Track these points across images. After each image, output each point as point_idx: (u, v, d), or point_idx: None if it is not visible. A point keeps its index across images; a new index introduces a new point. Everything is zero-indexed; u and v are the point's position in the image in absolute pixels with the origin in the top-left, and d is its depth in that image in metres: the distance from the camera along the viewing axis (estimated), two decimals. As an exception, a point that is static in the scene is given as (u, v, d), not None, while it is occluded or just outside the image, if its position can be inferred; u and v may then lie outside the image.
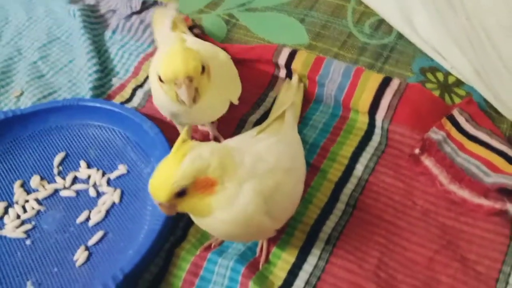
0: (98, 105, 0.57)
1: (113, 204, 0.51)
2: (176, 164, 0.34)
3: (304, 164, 0.46)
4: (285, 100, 0.55)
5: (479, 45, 0.49)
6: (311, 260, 0.46)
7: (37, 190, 0.53)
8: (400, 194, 0.49)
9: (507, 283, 0.43)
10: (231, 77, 0.52)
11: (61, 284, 0.46)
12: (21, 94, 0.64)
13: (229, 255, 0.46)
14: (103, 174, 0.54)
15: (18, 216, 0.51)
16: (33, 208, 0.52)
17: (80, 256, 0.47)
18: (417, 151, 0.50)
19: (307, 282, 0.44)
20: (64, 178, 0.54)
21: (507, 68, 0.48)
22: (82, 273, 0.46)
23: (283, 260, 0.46)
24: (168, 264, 0.47)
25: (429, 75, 0.59)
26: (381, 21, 0.67)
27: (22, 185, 0.54)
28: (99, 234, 0.49)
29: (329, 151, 0.54)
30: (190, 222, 0.49)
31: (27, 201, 0.52)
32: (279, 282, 0.44)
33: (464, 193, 0.47)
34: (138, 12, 0.72)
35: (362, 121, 0.55)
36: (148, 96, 0.62)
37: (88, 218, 0.50)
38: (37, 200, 0.52)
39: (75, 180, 0.54)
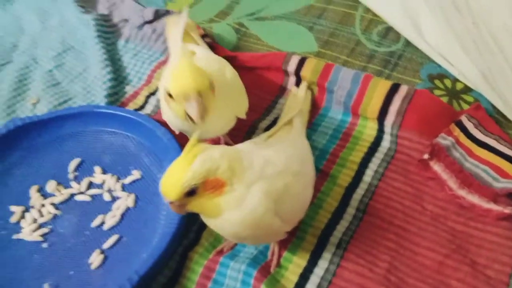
0: (112, 111, 0.59)
1: (128, 208, 0.52)
2: (187, 165, 0.35)
3: (313, 169, 0.47)
4: (293, 106, 0.56)
5: (486, 48, 0.50)
6: (322, 264, 0.46)
7: (53, 195, 0.54)
8: (410, 199, 0.50)
9: (517, 287, 0.43)
10: (238, 93, 0.52)
11: (77, 286, 0.47)
12: (37, 101, 0.66)
13: (241, 259, 0.47)
14: (118, 179, 0.55)
15: (35, 220, 0.52)
16: (49, 212, 0.53)
17: (95, 259, 0.48)
18: (426, 156, 0.51)
19: (318, 286, 0.45)
20: (79, 183, 0.55)
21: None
22: (97, 275, 0.47)
23: (295, 264, 0.47)
24: (182, 267, 0.47)
25: (437, 82, 0.60)
26: (389, 29, 0.68)
27: (39, 190, 0.55)
28: (114, 238, 0.50)
29: (338, 156, 0.54)
30: (203, 226, 0.50)
31: (43, 205, 0.53)
32: (290, 285, 0.45)
33: (473, 198, 0.48)
34: (151, 22, 0.73)
35: (371, 127, 0.56)
36: (161, 103, 0.63)
37: (103, 222, 0.51)
38: (53, 205, 0.53)
39: (90, 185, 0.55)
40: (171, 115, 0.47)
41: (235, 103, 0.50)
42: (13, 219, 0.52)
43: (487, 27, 0.49)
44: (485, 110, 0.55)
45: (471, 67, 0.55)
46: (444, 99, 0.58)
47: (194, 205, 0.37)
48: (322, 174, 0.53)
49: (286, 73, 0.62)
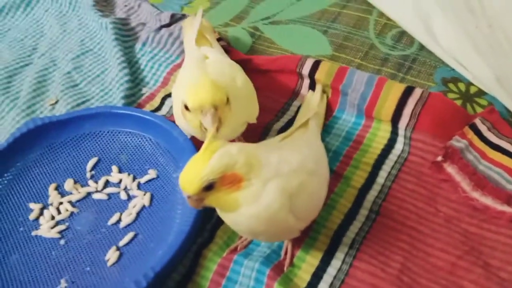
0: (129, 112, 0.60)
1: (143, 207, 0.53)
2: (206, 160, 0.36)
3: (328, 169, 0.47)
4: (309, 109, 0.57)
5: (501, 52, 0.50)
6: (335, 264, 0.46)
7: (71, 193, 0.56)
8: (423, 201, 0.50)
9: (530, 289, 0.43)
10: (248, 99, 0.52)
11: (93, 282, 0.48)
12: (56, 102, 0.68)
13: (255, 257, 0.47)
14: (134, 178, 0.56)
15: (53, 217, 0.53)
16: (67, 210, 0.54)
17: (111, 256, 0.49)
18: (440, 158, 0.51)
19: (331, 285, 0.45)
20: (96, 182, 0.56)
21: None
22: (113, 272, 0.48)
23: (308, 263, 0.47)
24: (196, 265, 0.48)
25: (451, 85, 0.60)
26: (403, 33, 0.69)
27: (57, 188, 0.56)
28: (129, 235, 0.51)
29: (352, 158, 0.55)
30: (218, 224, 0.50)
31: (61, 203, 0.55)
32: (303, 284, 0.46)
33: (487, 200, 0.48)
34: (167, 25, 0.75)
35: (385, 129, 0.56)
36: (176, 105, 0.64)
37: (119, 220, 0.52)
38: (70, 203, 0.55)
39: (107, 184, 0.56)
40: (184, 123, 0.48)
41: (245, 109, 0.51)
42: (32, 216, 0.54)
43: (503, 30, 0.49)
44: (499, 113, 0.55)
45: (485, 70, 0.55)
46: (458, 102, 0.58)
47: (212, 200, 0.37)
48: (336, 176, 0.53)
49: (300, 76, 0.63)
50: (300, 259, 0.47)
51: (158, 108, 0.65)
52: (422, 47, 0.66)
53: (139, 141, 0.59)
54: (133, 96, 0.66)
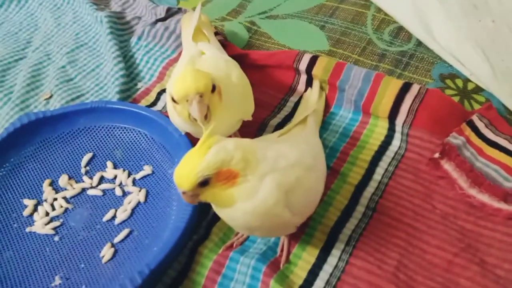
0: (124, 107, 0.59)
1: (139, 203, 0.53)
2: (201, 155, 0.36)
3: (325, 165, 0.47)
4: (307, 106, 0.56)
5: (505, 47, 0.49)
6: (331, 261, 0.46)
7: (65, 189, 0.55)
8: (420, 197, 0.50)
9: (527, 287, 0.43)
10: (244, 96, 0.52)
11: (88, 279, 0.47)
12: (50, 97, 0.67)
13: (251, 254, 0.47)
14: (129, 174, 0.56)
15: (47, 214, 0.53)
16: (61, 206, 0.54)
17: (106, 252, 0.49)
18: (437, 155, 0.51)
19: (327, 282, 0.45)
20: (91, 178, 0.56)
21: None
22: (108, 269, 0.48)
23: (304, 260, 0.47)
24: (192, 261, 0.48)
25: (449, 82, 0.60)
26: (401, 28, 0.68)
27: (51, 184, 0.56)
28: (124, 232, 0.50)
29: (348, 155, 0.55)
30: (213, 221, 0.50)
31: (55, 199, 0.54)
32: (299, 281, 0.45)
33: (484, 197, 0.48)
34: (163, 19, 0.74)
35: (382, 125, 0.56)
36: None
37: (114, 217, 0.52)
38: (65, 199, 0.54)
39: (102, 179, 0.56)
40: (177, 118, 0.48)
41: (240, 106, 0.50)
42: (26, 213, 0.53)
43: (508, 25, 0.48)
44: (496, 110, 0.54)
45: (483, 67, 0.55)
46: (456, 99, 0.57)
47: (207, 195, 0.37)
48: (332, 172, 0.53)
49: (297, 71, 0.62)
50: (296, 256, 0.47)
51: (154, 103, 0.64)
52: (419, 43, 0.65)
53: (135, 136, 0.59)
54: (128, 91, 0.66)
